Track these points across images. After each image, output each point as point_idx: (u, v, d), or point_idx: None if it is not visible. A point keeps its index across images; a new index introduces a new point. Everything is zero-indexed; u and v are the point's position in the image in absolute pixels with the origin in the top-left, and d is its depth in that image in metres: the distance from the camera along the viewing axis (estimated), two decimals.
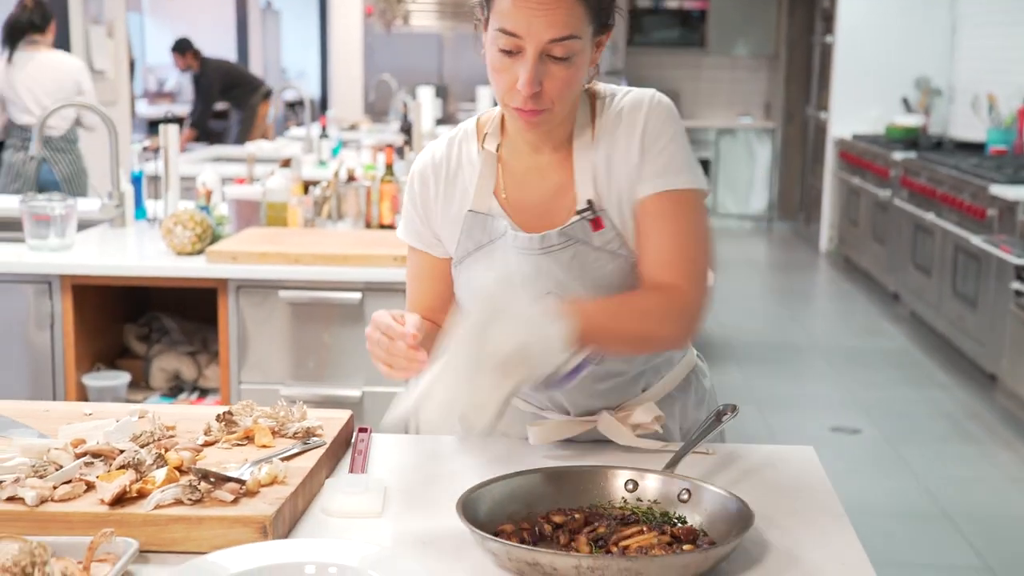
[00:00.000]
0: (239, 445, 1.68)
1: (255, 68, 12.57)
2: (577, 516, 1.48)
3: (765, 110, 11.04)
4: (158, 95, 12.01)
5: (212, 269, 3.24)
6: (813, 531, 1.51)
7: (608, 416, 1.78)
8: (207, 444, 1.67)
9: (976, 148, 7.17)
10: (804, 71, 10.60)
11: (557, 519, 1.47)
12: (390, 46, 9.74)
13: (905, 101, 8.55)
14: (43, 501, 1.44)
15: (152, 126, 10.12)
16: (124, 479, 1.47)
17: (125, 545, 1.35)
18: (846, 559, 1.43)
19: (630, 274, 1.73)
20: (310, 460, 1.61)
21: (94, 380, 3.28)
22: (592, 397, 1.79)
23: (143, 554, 1.39)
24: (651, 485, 1.55)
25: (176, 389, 3.49)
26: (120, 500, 1.44)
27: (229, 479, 1.47)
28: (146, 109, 11.00)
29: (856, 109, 8.85)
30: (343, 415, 1.81)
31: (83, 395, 3.27)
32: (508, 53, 1.60)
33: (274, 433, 1.71)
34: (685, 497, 1.52)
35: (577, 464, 1.65)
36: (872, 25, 8.74)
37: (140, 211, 3.89)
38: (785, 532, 1.49)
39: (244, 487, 1.47)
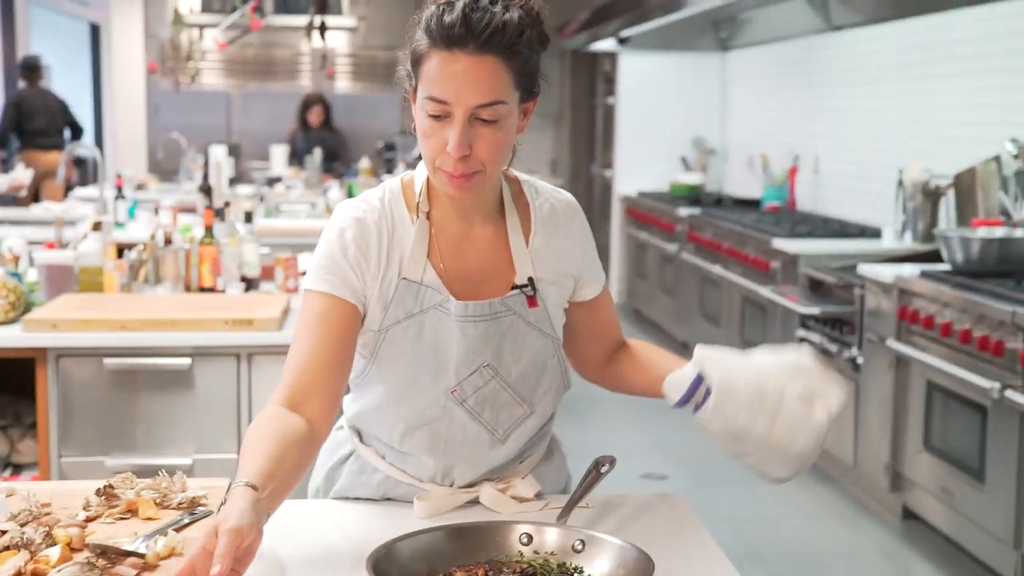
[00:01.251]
0: (122, 519, 1.64)
1: None
2: (479, 572, 1.51)
3: (552, 167, 11.33)
4: None
5: (29, 338, 3.12)
6: (698, 573, 1.60)
7: (490, 489, 1.82)
8: (89, 520, 1.62)
9: (752, 204, 7.50)
10: (588, 131, 10.97)
11: (459, 574, 1.50)
12: (177, 104, 9.56)
13: (684, 160, 8.86)
14: None
15: None
16: (17, 560, 1.42)
17: None
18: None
19: (553, 355, 1.82)
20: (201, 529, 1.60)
21: None
22: (482, 471, 1.83)
23: None
24: (547, 538, 1.59)
25: None
26: None
27: (128, 553, 1.45)
28: None
29: (639, 167, 9.09)
30: (223, 483, 1.79)
31: None
32: (437, 118, 1.63)
33: (158, 505, 1.68)
34: (579, 547, 1.56)
35: (474, 520, 1.69)
36: (650, 87, 9.02)
37: None
38: (673, 574, 1.57)
39: (144, 561, 1.45)
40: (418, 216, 1.76)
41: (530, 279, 1.78)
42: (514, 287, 1.77)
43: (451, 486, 1.83)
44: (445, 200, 1.77)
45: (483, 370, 1.76)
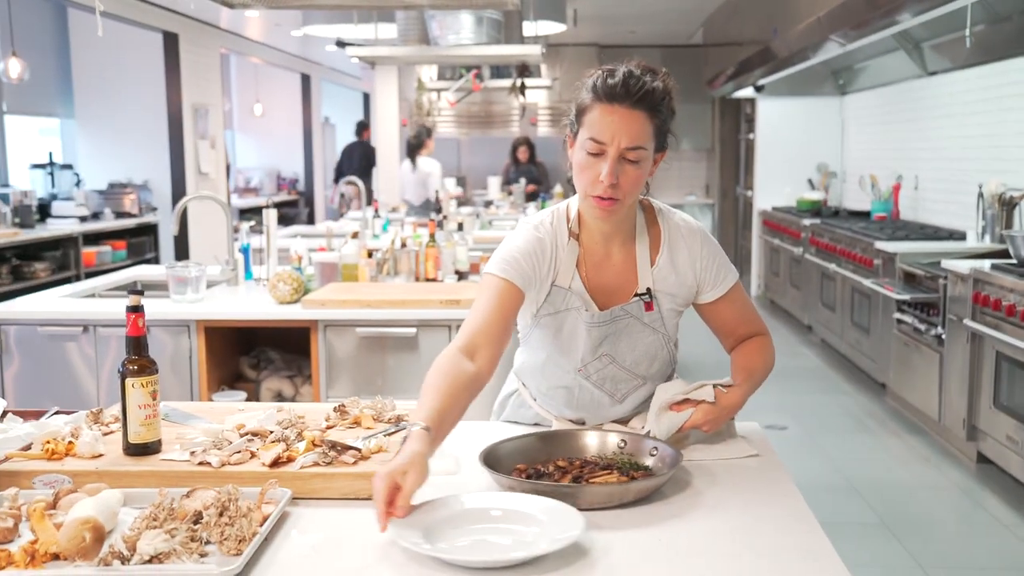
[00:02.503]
0: (350, 428, 1.79)
1: (316, 169, 12.76)
2: (574, 463, 1.61)
3: (706, 190, 11.20)
4: (246, 190, 12.20)
5: (307, 313, 3.32)
6: (763, 481, 1.63)
7: (611, 425, 1.87)
8: (328, 427, 1.78)
9: (863, 215, 7.30)
10: (733, 160, 10.78)
11: (561, 463, 1.61)
12: None
13: (810, 181, 8.66)
14: (223, 464, 1.57)
15: (242, 213, 10.31)
16: (278, 449, 1.60)
17: (282, 493, 1.48)
18: (789, 505, 1.54)
19: (662, 347, 1.85)
20: (402, 436, 1.74)
21: (220, 398, 3.36)
22: (605, 420, 1.88)
23: (294, 499, 1.52)
24: (632, 443, 1.68)
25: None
26: (276, 463, 1.57)
27: (350, 448, 1.60)
28: (237, 200, 11.19)
29: (773, 188, 8.94)
30: None
31: None
32: (594, 155, 1.68)
33: (374, 419, 1.83)
34: (654, 452, 1.64)
35: (576, 429, 1.77)
36: (782, 125, 8.86)
37: (248, 273, 4.01)
38: (744, 476, 1.62)
39: (360, 454, 1.60)
40: (570, 239, 1.81)
41: (648, 290, 1.79)
42: (636, 295, 1.80)
43: (583, 423, 1.90)
44: (591, 226, 1.80)
45: (603, 357, 1.82)
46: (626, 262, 1.81)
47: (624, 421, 1.89)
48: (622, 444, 1.68)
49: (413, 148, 7.93)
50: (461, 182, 9.06)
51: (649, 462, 1.63)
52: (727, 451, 1.75)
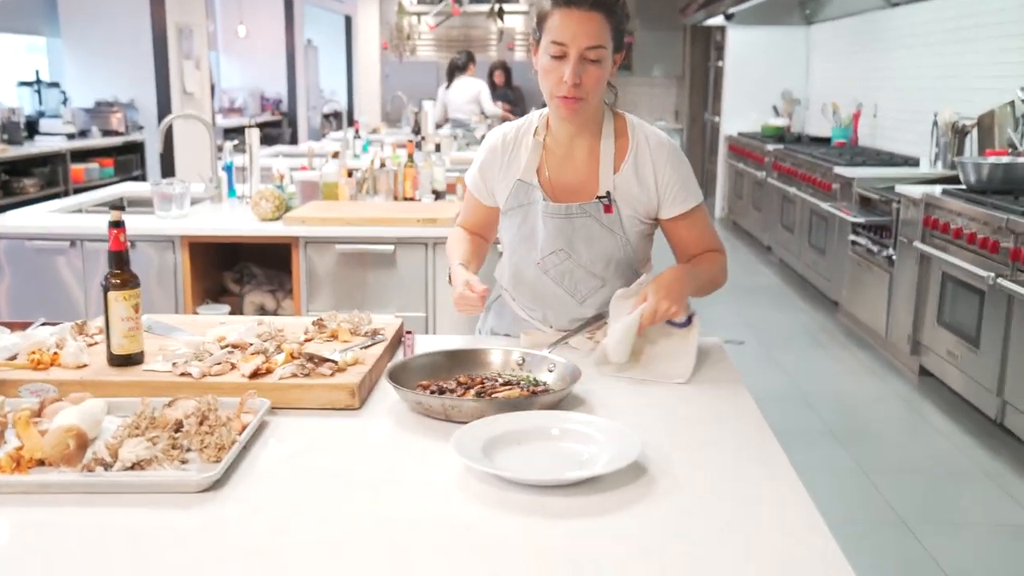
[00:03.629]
0: (328, 341, 1.78)
1: (299, 91, 12.46)
2: (475, 379, 1.59)
3: (675, 115, 11.10)
4: (230, 110, 11.93)
5: (288, 230, 3.29)
6: (721, 392, 1.64)
7: (580, 336, 1.84)
8: (307, 340, 1.77)
9: (824, 141, 7.25)
10: (702, 87, 10.66)
11: (463, 380, 1.59)
12: (401, 71, 9.71)
13: (775, 108, 8.59)
14: (204, 375, 1.55)
15: (226, 132, 10.09)
16: (258, 361, 1.58)
17: (261, 403, 1.46)
18: (745, 415, 1.55)
19: (619, 249, 1.82)
20: (378, 350, 1.72)
21: (205, 311, 3.33)
22: (570, 319, 1.88)
23: (273, 409, 1.50)
24: (532, 360, 1.65)
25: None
26: (255, 375, 1.55)
27: (327, 360, 1.59)
28: (221, 120, 10.93)
29: (740, 114, 8.87)
30: (397, 322, 1.92)
31: None
32: (556, 58, 1.68)
33: (351, 333, 1.82)
34: (551, 369, 1.62)
35: (483, 347, 1.74)
36: (750, 53, 8.75)
37: (231, 191, 3.95)
38: (705, 390, 1.63)
39: (337, 365, 1.59)
40: (535, 136, 1.83)
41: (608, 193, 1.78)
42: (596, 198, 1.79)
43: (551, 328, 1.91)
44: (557, 127, 1.80)
45: (559, 252, 1.82)
46: (589, 164, 1.80)
47: (589, 323, 1.86)
48: (520, 361, 1.66)
49: (458, 69, 7.90)
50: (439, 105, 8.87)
51: (548, 378, 1.61)
52: (673, 367, 1.69)
